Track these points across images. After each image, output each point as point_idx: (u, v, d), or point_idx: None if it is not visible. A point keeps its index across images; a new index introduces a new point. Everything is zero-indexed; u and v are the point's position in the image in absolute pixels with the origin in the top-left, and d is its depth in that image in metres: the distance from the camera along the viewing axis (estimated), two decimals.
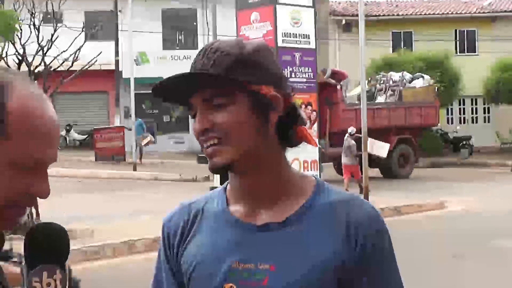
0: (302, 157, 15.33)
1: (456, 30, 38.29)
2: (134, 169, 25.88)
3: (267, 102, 1.78)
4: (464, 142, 33.74)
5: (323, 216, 1.82)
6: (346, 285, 1.79)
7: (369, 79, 22.74)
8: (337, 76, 23.71)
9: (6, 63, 13.60)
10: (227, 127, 1.76)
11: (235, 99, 1.76)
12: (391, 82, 26.58)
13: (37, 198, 1.49)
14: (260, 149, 1.80)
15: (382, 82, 26.92)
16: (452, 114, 38.26)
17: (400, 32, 38.21)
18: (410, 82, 26.84)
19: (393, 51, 36.53)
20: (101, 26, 29.61)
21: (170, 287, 1.94)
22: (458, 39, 38.45)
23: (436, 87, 27.06)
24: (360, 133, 17.66)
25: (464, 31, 38.35)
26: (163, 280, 1.96)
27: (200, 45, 35.18)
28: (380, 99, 25.89)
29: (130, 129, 28.56)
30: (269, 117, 1.79)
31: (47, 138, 1.46)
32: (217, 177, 14.10)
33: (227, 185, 1.94)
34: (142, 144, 29.15)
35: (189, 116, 1.84)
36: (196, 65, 1.78)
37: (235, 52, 1.77)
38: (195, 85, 1.77)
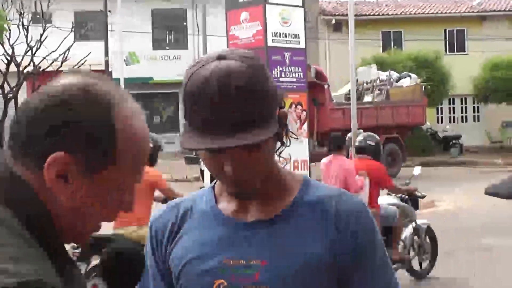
0: (293, 157, 15.32)
1: (445, 30, 38.38)
2: None
3: (281, 122, 1.80)
4: (454, 141, 33.81)
5: (312, 211, 1.84)
6: (340, 278, 1.81)
7: (357, 78, 22.85)
8: (320, 76, 23.67)
9: None
10: (262, 166, 1.78)
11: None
12: (378, 81, 26.60)
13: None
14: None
15: (369, 81, 26.96)
16: (442, 113, 38.35)
17: (390, 31, 38.29)
18: (397, 81, 26.88)
19: (383, 50, 36.59)
20: (90, 26, 29.56)
21: (158, 286, 1.94)
22: (447, 38, 38.54)
23: (423, 86, 27.10)
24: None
25: (453, 30, 38.43)
26: (149, 284, 1.95)
27: (190, 45, 35.21)
28: (367, 98, 25.91)
29: None
30: (281, 134, 1.82)
31: (145, 158, 1.43)
32: (207, 177, 14.06)
33: (215, 183, 1.95)
34: None
35: (183, 118, 1.76)
36: (216, 109, 1.68)
37: (263, 90, 1.72)
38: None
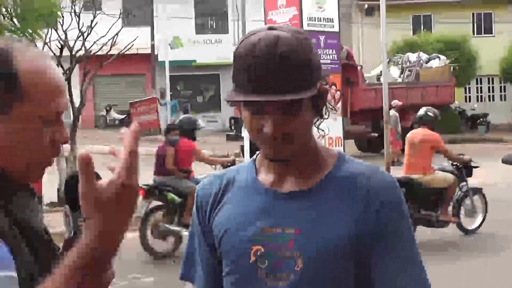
0: (327, 134, 15.32)
1: (473, 13, 37.88)
2: None
3: (321, 96, 1.82)
4: (481, 119, 33.49)
5: (345, 185, 1.84)
6: (365, 252, 1.80)
7: (388, 59, 22.71)
8: (350, 57, 23.55)
9: (50, 48, 13.71)
10: (299, 133, 1.79)
11: (305, 102, 1.78)
12: (408, 63, 26.40)
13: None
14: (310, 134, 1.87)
15: (399, 63, 26.75)
16: (470, 92, 37.97)
17: (420, 15, 37.88)
18: (426, 62, 26.63)
19: (413, 33, 36.24)
20: (137, 12, 29.69)
21: (203, 249, 1.99)
22: (475, 21, 38.06)
23: (452, 67, 26.81)
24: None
25: (481, 14, 37.94)
26: (196, 246, 2.01)
27: (230, 29, 35.21)
28: (394, 70, 25.70)
29: (161, 104, 28.56)
30: (320, 108, 1.84)
31: (59, 89, 1.55)
32: (247, 153, 14.14)
33: (256, 156, 1.98)
34: None
35: (227, 98, 1.79)
36: (263, 69, 1.71)
37: (307, 60, 1.76)
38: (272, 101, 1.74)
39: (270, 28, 1.79)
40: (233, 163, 10.11)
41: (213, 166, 10.83)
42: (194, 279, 2.03)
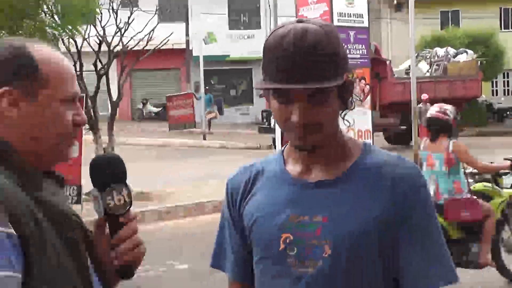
0: (357, 127, 15.27)
1: (501, 8, 37.48)
2: (204, 138, 26.09)
3: (347, 87, 1.83)
4: (508, 112, 33.15)
5: (371, 174, 1.84)
6: (391, 240, 1.80)
7: (416, 54, 22.54)
8: (378, 52, 23.41)
9: (89, 43, 13.83)
10: (326, 121, 1.80)
11: (332, 92, 1.79)
12: (436, 58, 26.19)
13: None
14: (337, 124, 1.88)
15: (427, 57, 26.55)
16: (496, 86, 37.59)
17: (448, 11, 37.55)
18: (454, 57, 26.37)
19: (441, 28, 35.95)
20: (173, 9, 29.83)
21: (233, 238, 2.01)
22: (502, 16, 37.63)
23: (479, 61, 26.53)
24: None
25: (508, 9, 37.52)
26: (226, 236, 2.03)
27: (262, 25, 35.18)
28: (422, 65, 25.50)
29: (197, 98, 28.68)
30: (346, 99, 1.85)
31: (71, 75, 1.72)
32: (278, 145, 14.16)
33: (285, 147, 1.99)
34: (206, 118, 29.21)
35: (259, 90, 1.82)
36: (290, 61, 1.73)
37: (334, 51, 1.77)
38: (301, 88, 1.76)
39: (299, 21, 1.81)
40: None
41: None
42: (224, 268, 2.05)
